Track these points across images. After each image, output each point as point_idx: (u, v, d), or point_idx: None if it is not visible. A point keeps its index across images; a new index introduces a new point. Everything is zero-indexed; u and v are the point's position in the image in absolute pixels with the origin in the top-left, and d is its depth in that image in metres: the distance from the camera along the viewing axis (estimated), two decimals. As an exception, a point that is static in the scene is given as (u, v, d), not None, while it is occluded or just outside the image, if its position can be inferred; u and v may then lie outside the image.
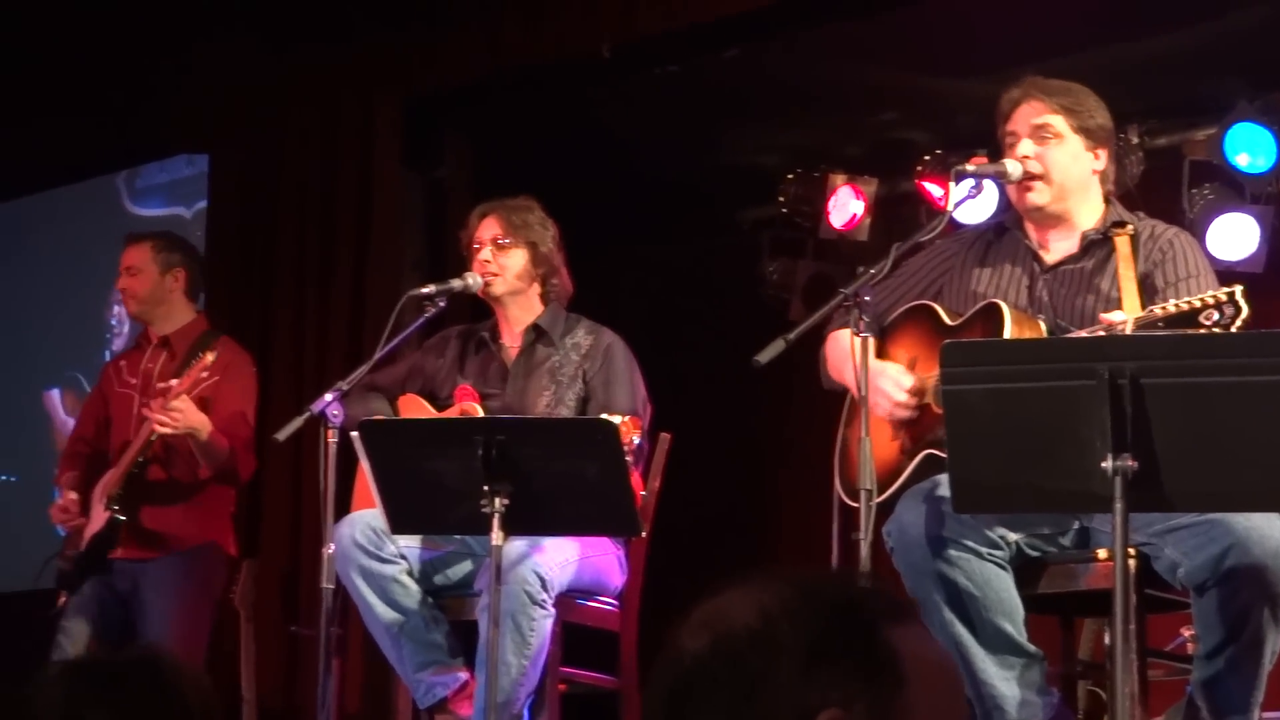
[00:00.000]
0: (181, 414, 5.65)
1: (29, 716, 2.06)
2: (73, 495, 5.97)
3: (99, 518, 5.86)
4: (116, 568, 5.90)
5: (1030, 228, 4.30)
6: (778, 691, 1.56)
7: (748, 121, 7.20)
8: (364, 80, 7.26)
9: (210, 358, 5.69)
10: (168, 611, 5.84)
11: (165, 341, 6.10)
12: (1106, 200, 4.29)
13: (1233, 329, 3.63)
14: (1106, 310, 3.97)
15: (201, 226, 7.70)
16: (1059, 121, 4.21)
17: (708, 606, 1.63)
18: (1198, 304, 3.71)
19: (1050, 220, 4.25)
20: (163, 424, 5.65)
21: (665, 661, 1.62)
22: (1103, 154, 4.25)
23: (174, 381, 5.72)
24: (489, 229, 5.22)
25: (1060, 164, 4.21)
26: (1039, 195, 4.21)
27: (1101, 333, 3.84)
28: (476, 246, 5.22)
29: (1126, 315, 3.84)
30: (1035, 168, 4.20)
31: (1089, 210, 4.26)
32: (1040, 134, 4.21)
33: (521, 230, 5.20)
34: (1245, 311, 3.65)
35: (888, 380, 4.19)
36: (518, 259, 5.20)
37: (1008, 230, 4.34)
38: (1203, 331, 3.64)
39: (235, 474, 5.97)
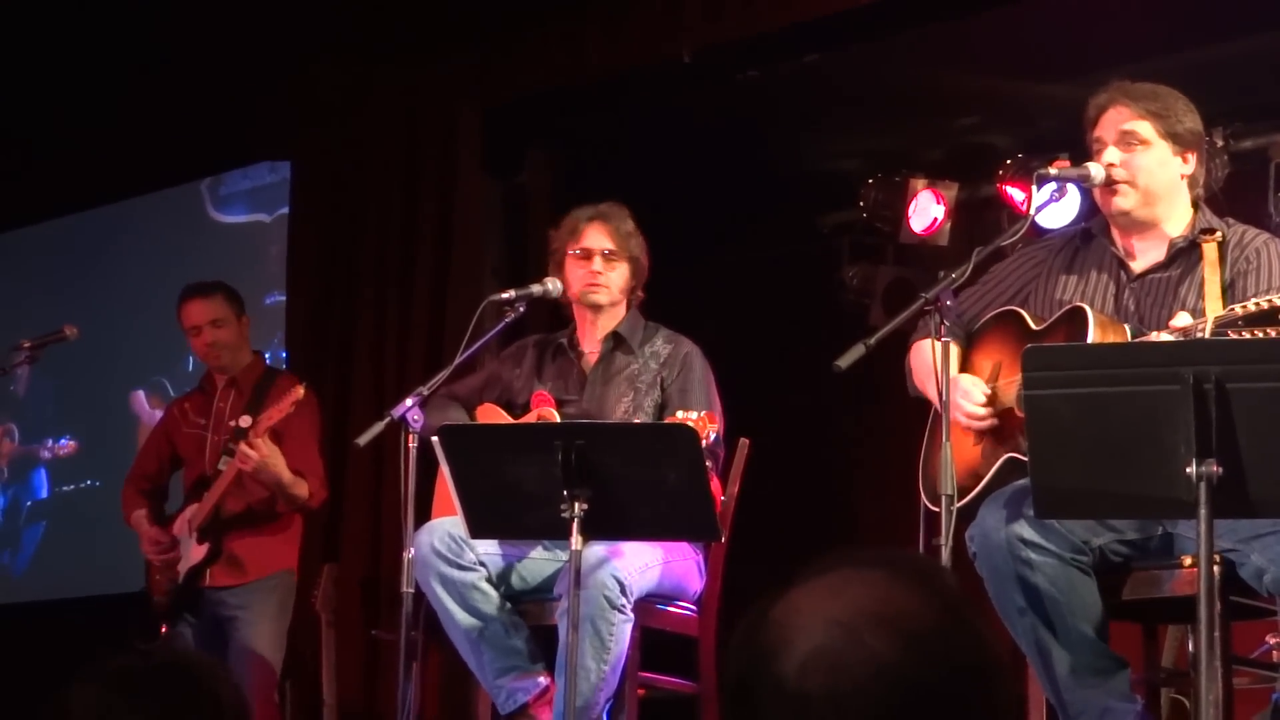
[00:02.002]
0: (263, 455, 5.89)
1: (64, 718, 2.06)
2: (159, 529, 6.22)
3: (194, 551, 6.09)
4: (205, 596, 6.13)
5: (1117, 234, 4.25)
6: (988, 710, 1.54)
7: (828, 126, 7.19)
8: (445, 87, 7.29)
9: (301, 391, 5.90)
10: (251, 636, 6.09)
11: (233, 381, 6.34)
12: (1195, 206, 4.23)
13: None
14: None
15: (283, 232, 7.76)
16: (1145, 127, 4.16)
17: (871, 595, 1.56)
18: (1278, 302, 3.66)
19: (1137, 226, 4.20)
20: (246, 456, 5.89)
21: (846, 657, 1.53)
22: (1191, 158, 4.19)
23: (246, 419, 6.02)
24: (598, 239, 5.18)
25: (1146, 170, 4.15)
26: (1125, 199, 4.16)
27: (1167, 337, 3.81)
28: (581, 254, 5.18)
29: (1195, 319, 3.79)
30: (1121, 174, 4.15)
31: (1177, 216, 4.20)
32: (1127, 140, 4.16)
33: (627, 242, 5.19)
34: None
35: (960, 393, 4.17)
36: (622, 272, 5.19)
37: (1094, 237, 4.30)
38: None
39: (309, 508, 6.23)
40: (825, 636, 1.54)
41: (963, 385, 4.19)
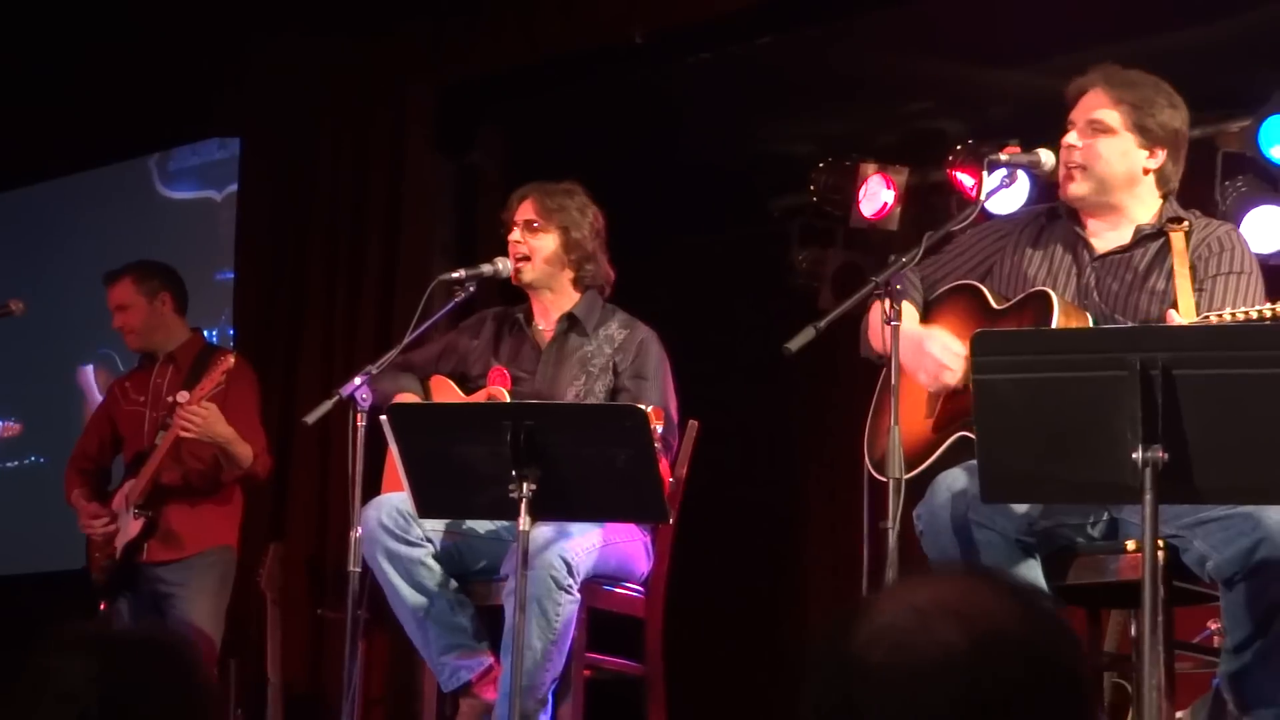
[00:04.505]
0: (204, 419, 5.84)
1: (55, 689, 2.00)
2: (96, 505, 6.21)
3: (130, 526, 6.06)
4: (142, 572, 6.10)
5: (1080, 216, 4.27)
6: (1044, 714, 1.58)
7: (779, 110, 7.19)
8: (397, 66, 7.26)
9: (231, 360, 5.88)
10: (189, 613, 6.08)
11: (171, 357, 6.32)
12: (1165, 200, 4.25)
13: None
14: (1164, 308, 3.96)
15: (232, 210, 7.73)
16: (1114, 117, 4.15)
17: (955, 591, 1.62)
18: (1254, 315, 3.67)
19: (1097, 210, 4.22)
20: (185, 428, 5.85)
21: (912, 638, 1.59)
22: (1161, 154, 4.17)
23: (184, 394, 5.93)
24: (523, 211, 5.18)
25: (1105, 159, 4.16)
26: (1078, 186, 4.18)
27: None
28: (508, 229, 5.20)
29: (1183, 320, 3.80)
30: (1076, 159, 4.16)
31: (1142, 207, 4.21)
32: (1092, 127, 4.17)
33: (555, 214, 5.15)
34: None
35: (936, 344, 4.15)
36: (548, 243, 5.16)
37: (1060, 216, 4.31)
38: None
39: (256, 476, 6.20)
40: (897, 616, 1.61)
41: (938, 338, 4.15)
